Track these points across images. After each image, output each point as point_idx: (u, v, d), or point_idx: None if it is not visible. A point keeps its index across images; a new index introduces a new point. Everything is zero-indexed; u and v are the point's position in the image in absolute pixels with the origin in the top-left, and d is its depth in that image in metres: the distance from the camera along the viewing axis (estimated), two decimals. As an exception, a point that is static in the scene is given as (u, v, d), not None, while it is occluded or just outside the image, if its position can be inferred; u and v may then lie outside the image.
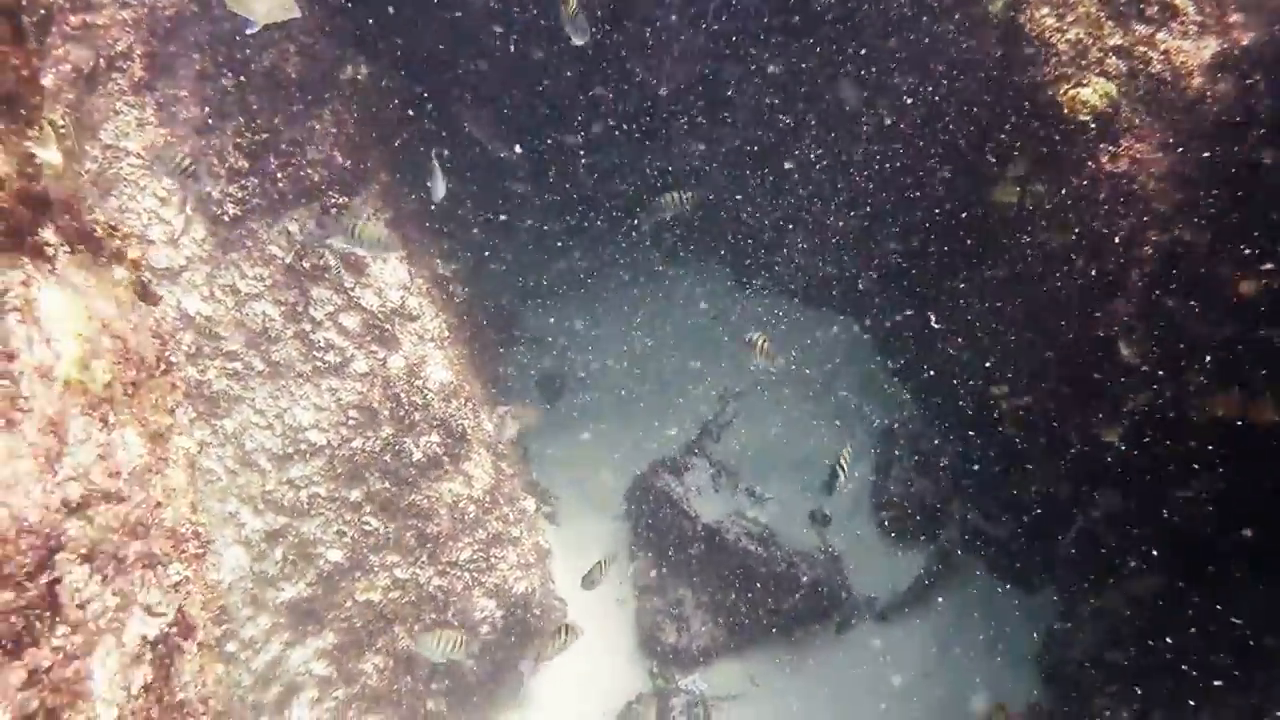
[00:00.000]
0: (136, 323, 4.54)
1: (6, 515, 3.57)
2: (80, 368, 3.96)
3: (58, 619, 3.78)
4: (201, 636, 5.00)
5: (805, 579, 10.37)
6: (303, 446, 8.54)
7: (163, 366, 4.77)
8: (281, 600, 8.74)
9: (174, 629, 4.38)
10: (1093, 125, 6.75)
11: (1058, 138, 7.04)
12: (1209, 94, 6.17)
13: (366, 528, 8.81)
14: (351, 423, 8.56)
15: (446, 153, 8.81)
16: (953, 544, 10.76)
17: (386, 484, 8.75)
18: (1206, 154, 6.15)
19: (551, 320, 13.15)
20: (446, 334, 8.95)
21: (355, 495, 8.74)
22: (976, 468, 10.40)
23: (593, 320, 13.18)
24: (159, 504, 4.28)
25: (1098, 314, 6.95)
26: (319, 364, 8.42)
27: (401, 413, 8.63)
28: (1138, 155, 6.57)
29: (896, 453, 11.19)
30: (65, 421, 3.85)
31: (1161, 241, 6.44)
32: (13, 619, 3.59)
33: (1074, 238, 7.09)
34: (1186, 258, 6.38)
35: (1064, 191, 7.06)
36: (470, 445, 9.04)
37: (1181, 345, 6.55)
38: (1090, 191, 6.80)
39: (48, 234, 4.07)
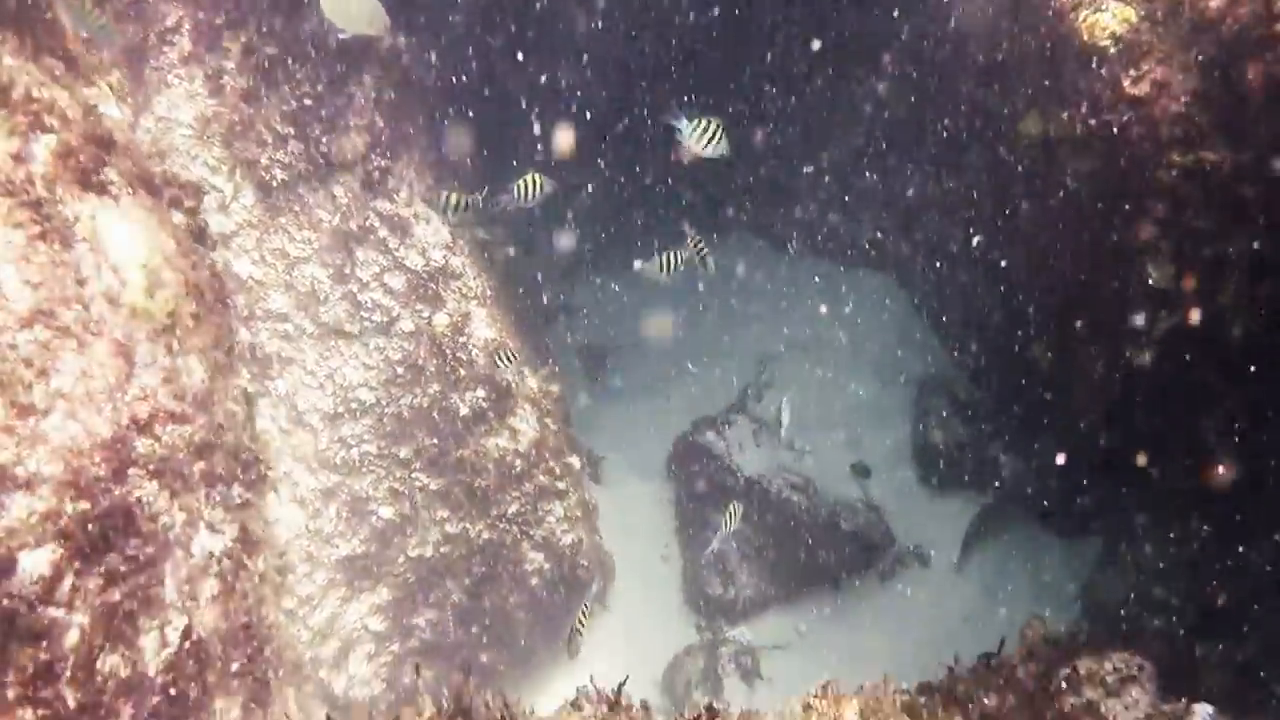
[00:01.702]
0: (195, 261, 4.80)
1: (81, 430, 3.83)
2: (146, 296, 4.22)
3: (130, 530, 4.05)
4: (263, 565, 5.26)
5: (847, 528, 10.54)
6: (353, 405, 8.81)
7: (220, 305, 5.03)
8: (336, 557, 9.03)
9: (237, 545, 4.65)
10: (1113, 50, 6.84)
11: (1079, 65, 7.13)
12: (1229, 14, 6.24)
13: (416, 484, 9.07)
14: (399, 380, 8.82)
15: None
16: (996, 491, 10.86)
17: (435, 440, 9.00)
18: (1228, 74, 6.23)
19: (592, 288, 13.34)
20: (489, 293, 9.18)
21: (405, 452, 9.00)
22: (1014, 413, 10.48)
23: (632, 288, 13.33)
24: (221, 427, 4.53)
25: (1124, 238, 7.05)
26: (366, 324, 8.69)
27: (447, 369, 8.86)
28: (1159, 78, 6.65)
29: (934, 403, 11.30)
30: (133, 345, 4.11)
31: (1185, 163, 6.54)
32: (89, 527, 3.85)
33: (1098, 163, 7.18)
34: (1210, 178, 6.47)
35: (1087, 118, 7.16)
36: (515, 400, 9.27)
37: (1208, 266, 6.66)
38: (1113, 116, 6.90)
39: (111, 173, 4.34)
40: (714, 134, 6.82)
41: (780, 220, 13.14)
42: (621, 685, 4.13)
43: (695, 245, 8.61)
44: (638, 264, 8.74)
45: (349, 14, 7.17)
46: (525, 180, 7.59)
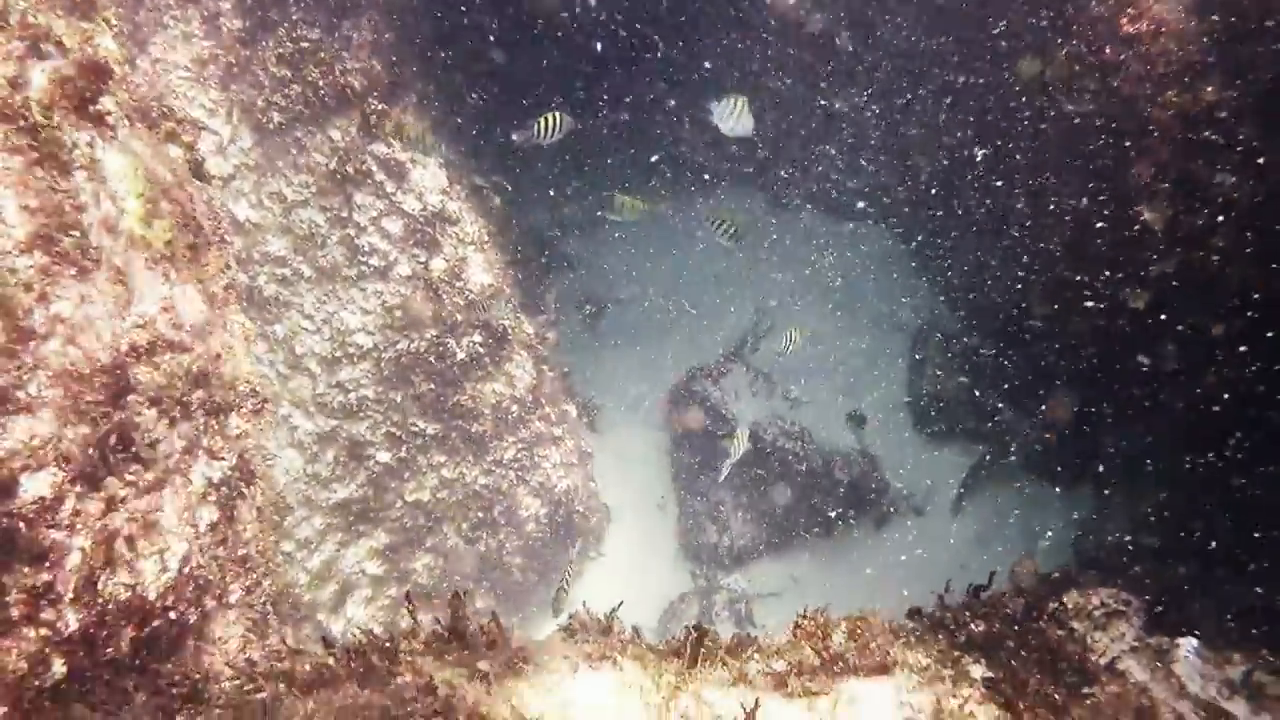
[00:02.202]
0: (193, 194, 4.81)
1: (81, 355, 3.86)
2: (144, 224, 4.23)
3: (129, 456, 4.09)
4: (261, 498, 5.31)
5: (841, 477, 10.60)
6: (350, 350, 8.83)
7: (218, 238, 5.04)
8: (334, 501, 9.08)
9: (236, 475, 4.69)
10: (1111, -14, 6.84)
11: (1078, 4, 7.09)
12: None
13: (413, 429, 9.11)
14: (397, 325, 8.83)
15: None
16: (991, 441, 10.91)
17: (431, 385, 9.03)
18: (1226, 12, 6.20)
19: (590, 240, 13.33)
20: (486, 239, 9.17)
21: (402, 397, 9.03)
22: (1010, 361, 10.50)
23: (630, 240, 13.33)
24: (218, 356, 4.56)
25: (1120, 179, 7.04)
26: (364, 268, 8.69)
27: (444, 313, 8.87)
28: (1157, 15, 6.63)
29: (931, 351, 11.32)
30: (131, 273, 4.13)
31: (1182, 102, 6.53)
32: (90, 451, 3.88)
33: (1096, 103, 7.17)
34: (1208, 118, 6.46)
35: (1085, 58, 7.14)
36: (511, 346, 9.29)
37: (1205, 208, 6.66)
38: (1111, 56, 6.87)
39: (108, 103, 4.33)
40: (741, 112, 7.31)
41: (778, 163, 13.08)
42: (613, 611, 4.19)
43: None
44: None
45: None
46: (545, 118, 7.56)
